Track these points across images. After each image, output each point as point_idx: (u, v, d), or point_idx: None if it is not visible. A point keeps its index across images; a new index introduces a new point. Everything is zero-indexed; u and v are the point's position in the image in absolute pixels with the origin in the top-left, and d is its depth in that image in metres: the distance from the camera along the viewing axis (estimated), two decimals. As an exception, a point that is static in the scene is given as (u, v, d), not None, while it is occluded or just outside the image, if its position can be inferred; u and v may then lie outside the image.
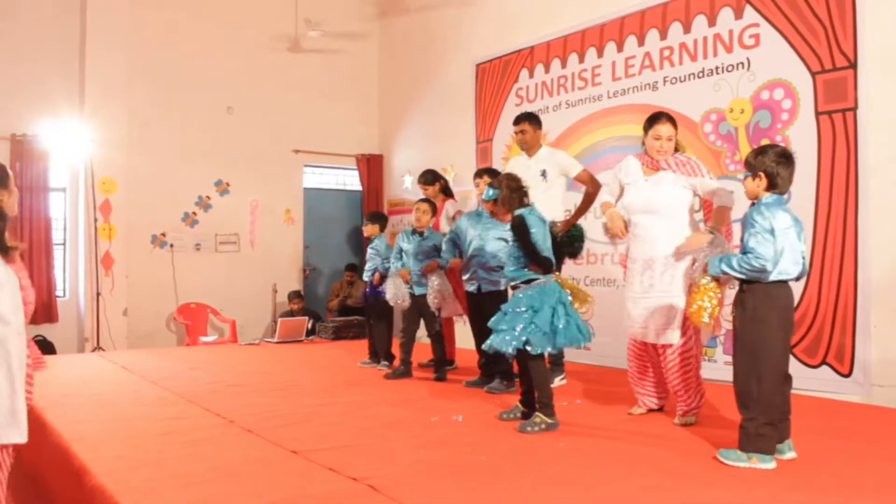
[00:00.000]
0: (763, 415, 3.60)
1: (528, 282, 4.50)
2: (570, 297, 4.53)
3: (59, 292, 9.50)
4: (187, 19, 10.30)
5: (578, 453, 3.92)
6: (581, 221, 5.85)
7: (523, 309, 4.40)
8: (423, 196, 6.87)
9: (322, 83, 11.29)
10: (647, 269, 4.62)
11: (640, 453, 3.91)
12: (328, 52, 11.28)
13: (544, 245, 4.50)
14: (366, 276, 7.07)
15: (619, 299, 6.92)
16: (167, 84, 10.13)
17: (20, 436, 3.07)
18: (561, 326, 4.36)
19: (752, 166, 3.75)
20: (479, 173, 6.42)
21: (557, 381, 5.82)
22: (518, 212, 4.57)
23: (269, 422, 4.56)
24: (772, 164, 3.68)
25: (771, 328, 3.65)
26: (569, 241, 5.62)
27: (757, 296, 3.67)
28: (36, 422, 3.43)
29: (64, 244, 9.69)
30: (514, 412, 4.68)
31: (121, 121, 9.55)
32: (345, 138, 11.47)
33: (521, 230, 4.49)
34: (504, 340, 4.38)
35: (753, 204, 3.76)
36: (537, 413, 4.43)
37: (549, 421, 4.39)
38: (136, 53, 9.81)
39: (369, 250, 7.05)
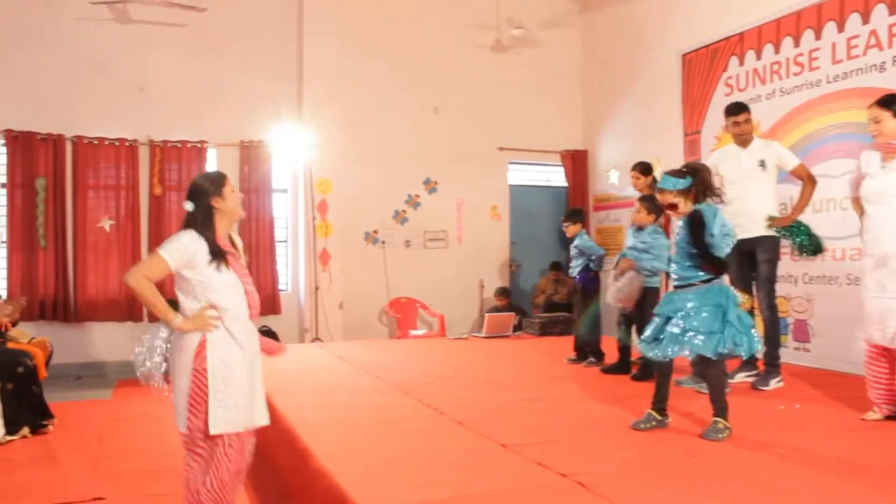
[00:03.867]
0: None
1: (701, 282, 4.22)
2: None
3: (281, 286, 10.18)
4: (394, 25, 10.71)
5: (797, 461, 3.69)
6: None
7: (707, 313, 4.14)
8: (635, 191, 6.73)
9: (525, 80, 11.36)
10: (881, 266, 4.28)
11: (867, 464, 3.63)
12: (530, 48, 11.34)
13: (722, 243, 4.18)
14: (572, 272, 7.03)
15: (839, 298, 6.49)
16: (377, 88, 10.59)
17: (267, 418, 3.60)
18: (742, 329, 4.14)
19: None
20: (634, 167, 6.29)
21: (774, 384, 5.53)
22: (697, 206, 4.32)
23: (478, 414, 4.64)
24: None
25: None
26: (812, 250, 5.34)
27: None
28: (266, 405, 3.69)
29: (286, 241, 10.34)
30: (650, 422, 4.38)
31: (335, 125, 10.08)
32: (549, 134, 11.48)
33: (697, 226, 4.21)
34: (707, 345, 4.13)
35: None
36: (719, 419, 4.20)
37: (729, 426, 4.19)
38: (347, 61, 10.32)
39: (573, 249, 6.99)
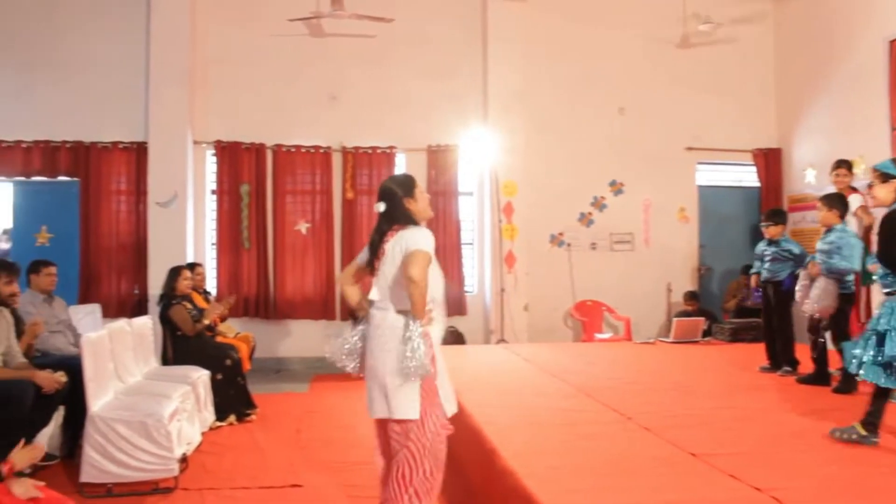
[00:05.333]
0: None
1: None
2: None
3: (468, 288, 10.35)
4: (577, 26, 10.63)
5: None
6: None
7: None
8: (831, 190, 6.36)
9: (713, 76, 10.96)
10: None
11: None
12: (718, 43, 10.91)
13: None
14: (753, 274, 6.76)
15: None
16: (561, 89, 10.56)
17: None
18: None
19: None
20: (839, 164, 5.87)
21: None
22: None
23: (666, 421, 4.54)
24: None
25: None
26: None
27: None
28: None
29: (472, 244, 10.51)
30: (851, 434, 4.06)
31: (520, 127, 10.14)
32: (739, 133, 11.01)
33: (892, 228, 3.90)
34: None
35: None
36: (858, 424, 3.89)
37: (863, 434, 3.86)
38: (532, 64, 10.35)
39: (770, 251, 6.68)
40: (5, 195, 10.08)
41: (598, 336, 10.15)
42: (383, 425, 3.72)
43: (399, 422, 3.60)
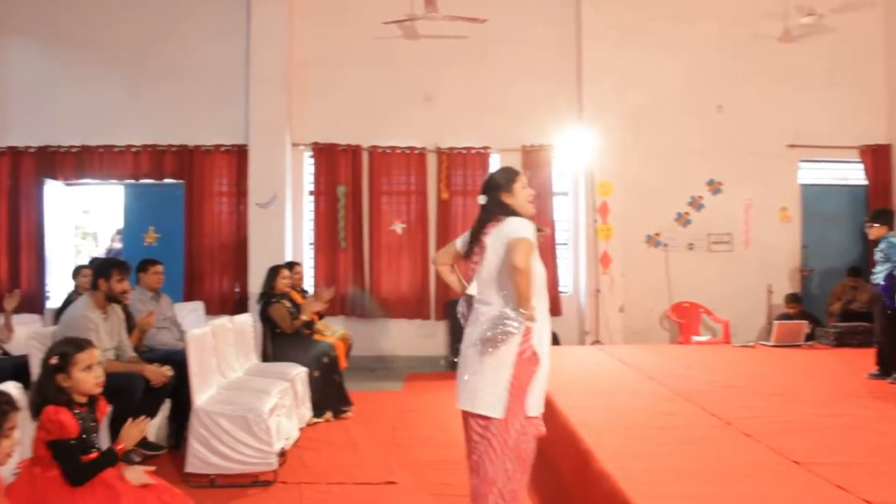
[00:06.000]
0: None
1: None
2: None
3: (563, 288, 10.28)
4: (673, 22, 10.43)
5: None
6: None
7: None
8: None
9: (817, 71, 10.57)
10: None
11: None
12: (822, 35, 10.51)
13: None
14: (874, 279, 6.47)
15: None
16: (657, 87, 10.37)
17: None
18: None
19: None
20: None
21: None
22: None
23: (767, 427, 4.41)
24: None
25: None
26: None
27: None
28: (546, 403, 3.75)
29: (567, 244, 10.44)
30: None
31: (616, 126, 10.00)
32: (845, 129, 10.58)
33: None
34: None
35: None
36: None
37: None
38: (627, 62, 10.22)
39: (877, 253, 6.43)
40: (117, 197, 10.56)
41: (696, 338, 9.93)
42: (468, 417, 3.71)
43: (483, 417, 3.60)
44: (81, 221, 11.58)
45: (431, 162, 10.20)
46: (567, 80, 10.30)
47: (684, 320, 10.17)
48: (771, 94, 10.51)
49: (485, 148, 10.17)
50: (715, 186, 10.55)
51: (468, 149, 10.16)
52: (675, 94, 10.41)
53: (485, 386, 3.55)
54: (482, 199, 3.73)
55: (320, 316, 8.14)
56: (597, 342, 9.71)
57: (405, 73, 10.26)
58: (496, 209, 3.68)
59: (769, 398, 5.42)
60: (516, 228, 3.55)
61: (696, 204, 10.54)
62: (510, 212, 3.66)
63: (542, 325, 3.61)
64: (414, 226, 10.15)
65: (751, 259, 10.52)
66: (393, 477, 5.19)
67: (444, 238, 9.95)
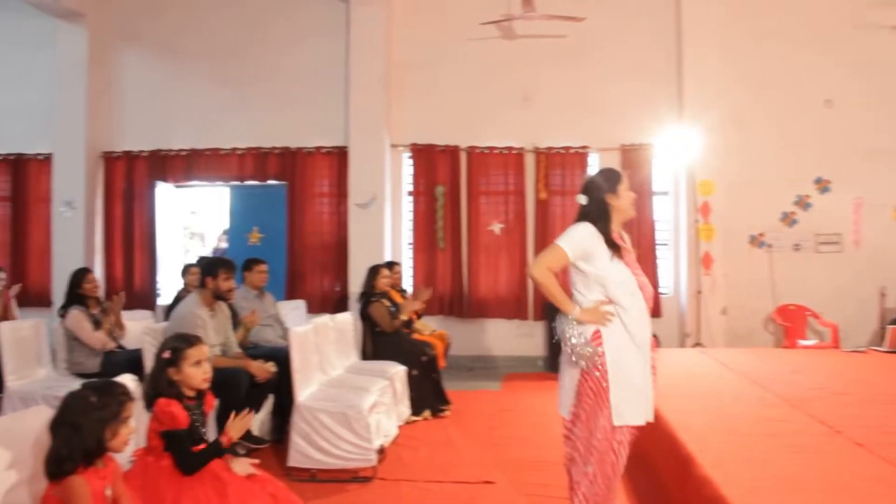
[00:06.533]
0: None
1: None
2: None
3: (663, 289, 10.09)
4: (778, 15, 10.07)
5: None
6: None
7: None
8: None
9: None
10: None
11: None
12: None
13: None
14: None
15: None
16: (761, 83, 10.05)
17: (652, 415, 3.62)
18: None
19: None
20: None
21: None
22: None
23: (882, 437, 4.20)
24: None
25: None
26: None
27: None
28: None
29: (667, 244, 10.24)
30: None
31: (718, 124, 9.72)
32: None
33: None
34: None
35: None
36: None
37: None
38: (728, 57, 9.92)
39: None
40: (223, 198, 10.94)
41: (802, 342, 9.59)
42: (567, 424, 3.72)
43: (569, 420, 3.62)
44: (189, 222, 12.01)
45: (529, 162, 10.17)
46: (667, 77, 10.11)
47: (790, 323, 9.84)
48: (886, 88, 10.04)
49: (583, 147, 10.07)
50: (823, 185, 10.17)
51: (566, 148, 10.08)
52: (780, 89, 10.07)
53: (562, 387, 3.61)
54: (582, 199, 3.70)
55: (419, 315, 8.22)
56: (698, 345, 9.49)
57: (503, 74, 10.26)
58: (597, 211, 3.65)
59: (883, 407, 5.17)
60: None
61: (802, 203, 10.17)
62: (604, 215, 3.62)
63: (624, 331, 3.54)
64: (512, 226, 10.13)
65: (861, 260, 10.09)
66: (490, 476, 5.20)
67: (542, 238, 9.91)
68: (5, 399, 5.77)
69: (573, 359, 3.51)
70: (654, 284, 9.87)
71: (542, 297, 9.78)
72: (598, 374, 3.47)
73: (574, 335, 3.48)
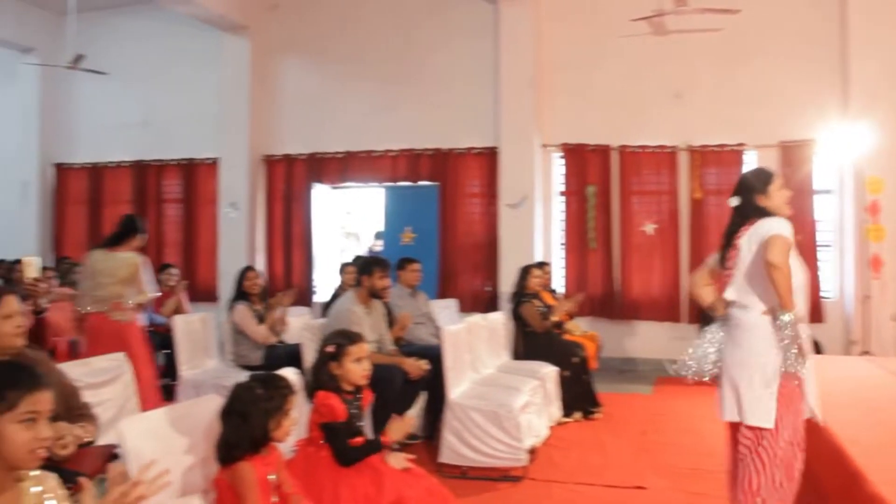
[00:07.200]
0: None
1: None
2: None
3: (826, 293, 9.58)
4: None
5: None
6: None
7: None
8: None
9: None
10: None
11: None
12: None
13: None
14: None
15: None
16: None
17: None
18: None
19: None
20: None
21: None
22: None
23: None
24: None
25: None
26: None
27: None
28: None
29: (831, 245, 9.72)
30: None
31: (888, 117, 9.11)
32: None
33: None
34: None
35: None
36: None
37: None
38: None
39: None
40: (377, 199, 11.27)
41: None
42: (734, 428, 3.62)
43: (751, 428, 3.49)
44: (345, 221, 12.42)
45: (683, 160, 9.90)
46: (830, 68, 9.55)
47: (972, 332, 9.14)
48: None
49: (739, 145, 9.71)
50: None
51: (721, 146, 9.74)
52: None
53: (752, 396, 3.46)
54: (735, 201, 3.62)
55: (570, 316, 8.17)
56: (866, 353, 8.96)
57: (654, 71, 10.02)
58: (751, 212, 3.56)
59: None
60: (772, 226, 3.43)
61: (985, 201, 9.42)
62: (765, 214, 3.53)
63: (803, 329, 3.46)
64: (666, 226, 9.89)
65: None
66: (642, 482, 5.12)
67: (697, 239, 9.63)
68: (180, 387, 6.17)
69: (791, 366, 3.41)
70: (816, 287, 9.39)
71: (697, 300, 9.47)
72: (796, 380, 3.38)
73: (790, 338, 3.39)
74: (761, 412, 3.42)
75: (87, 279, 6.02)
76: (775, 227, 3.41)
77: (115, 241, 6.08)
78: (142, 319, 6.30)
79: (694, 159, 9.80)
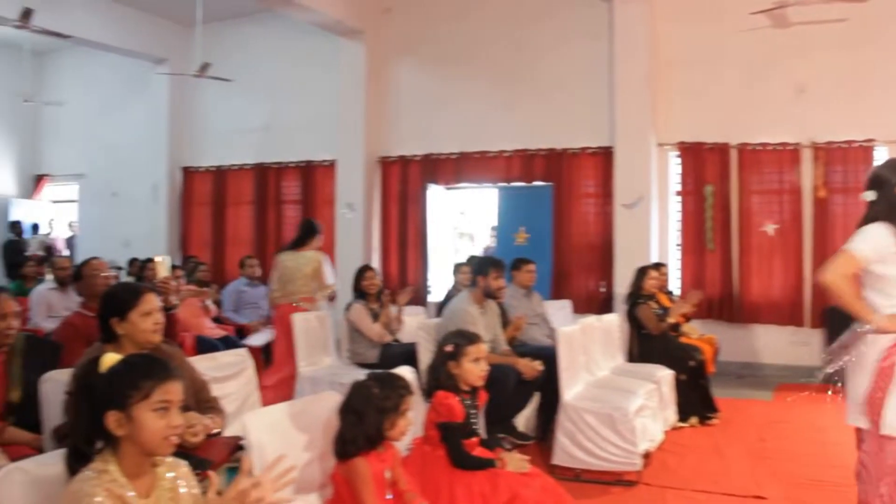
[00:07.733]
0: None
1: None
2: None
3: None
4: None
5: None
6: None
7: None
8: None
9: None
10: None
11: None
12: None
13: None
14: None
15: None
16: None
17: None
18: None
19: None
20: None
21: None
22: None
23: None
24: None
25: None
26: None
27: None
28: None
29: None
30: None
31: None
32: None
33: None
34: None
35: None
36: None
37: None
38: None
39: None
40: (491, 199, 11.33)
41: None
42: (859, 435, 3.49)
43: (858, 430, 3.40)
44: (459, 222, 12.53)
45: (806, 158, 9.52)
46: None
47: None
48: None
49: (868, 141, 9.25)
50: None
51: (848, 142, 9.31)
52: None
53: (851, 395, 3.37)
54: (870, 195, 3.43)
55: (687, 318, 8.01)
56: None
57: (774, 65, 9.64)
58: (888, 207, 3.36)
59: None
60: (855, 235, 3.33)
61: None
62: (893, 211, 3.34)
63: None
64: (787, 226, 9.54)
65: None
66: (761, 491, 4.98)
67: (821, 240, 9.26)
68: (298, 384, 6.36)
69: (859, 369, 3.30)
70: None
71: (820, 303, 9.14)
72: (884, 383, 3.23)
73: (866, 343, 3.26)
74: (855, 412, 3.36)
75: (278, 277, 7.16)
76: (854, 238, 3.32)
77: (299, 242, 7.22)
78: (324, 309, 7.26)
79: (818, 156, 9.41)
